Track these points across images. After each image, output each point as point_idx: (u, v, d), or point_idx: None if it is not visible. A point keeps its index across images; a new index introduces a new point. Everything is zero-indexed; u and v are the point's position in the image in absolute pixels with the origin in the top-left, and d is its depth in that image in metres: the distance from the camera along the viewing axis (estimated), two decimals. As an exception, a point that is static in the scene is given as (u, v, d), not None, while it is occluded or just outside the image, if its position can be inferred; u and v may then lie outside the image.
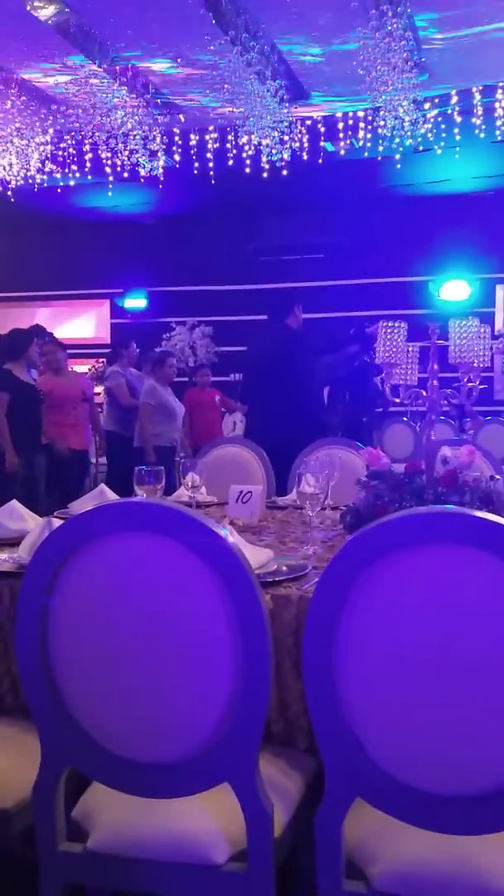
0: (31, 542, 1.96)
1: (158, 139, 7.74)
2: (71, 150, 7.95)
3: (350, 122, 7.21)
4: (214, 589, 1.38)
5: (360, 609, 1.34)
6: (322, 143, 7.55)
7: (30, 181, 8.54)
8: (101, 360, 10.07)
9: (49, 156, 8.08)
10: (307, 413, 4.41)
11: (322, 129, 7.36)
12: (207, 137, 7.59)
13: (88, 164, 7.96)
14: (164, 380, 6.44)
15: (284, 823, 1.50)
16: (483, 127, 6.96)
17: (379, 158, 7.78)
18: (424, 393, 2.36)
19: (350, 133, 7.26)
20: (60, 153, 8.00)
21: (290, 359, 4.45)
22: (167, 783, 1.45)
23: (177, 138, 7.72)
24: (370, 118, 7.09)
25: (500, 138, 7.07)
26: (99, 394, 7.93)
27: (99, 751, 1.47)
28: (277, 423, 4.25)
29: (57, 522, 1.87)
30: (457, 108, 6.90)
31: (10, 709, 1.92)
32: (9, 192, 8.64)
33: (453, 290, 10.32)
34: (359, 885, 1.40)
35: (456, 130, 7.07)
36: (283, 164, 7.67)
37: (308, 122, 7.36)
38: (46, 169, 8.30)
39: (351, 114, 7.19)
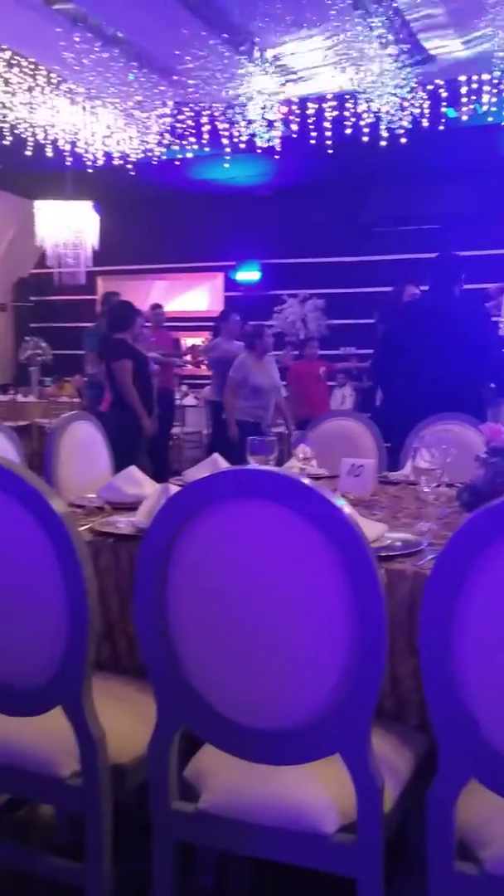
0: (150, 507, 2.00)
1: (276, 109, 7.67)
2: (189, 122, 7.98)
3: (474, 86, 6.93)
4: (330, 559, 1.37)
5: (481, 587, 1.30)
6: (444, 109, 7.30)
7: (148, 154, 8.65)
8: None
9: (168, 128, 8.14)
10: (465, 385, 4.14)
11: (444, 94, 7.11)
12: (325, 106, 7.47)
13: (206, 136, 7.98)
14: (259, 353, 6.40)
15: (394, 799, 1.49)
16: None
17: (504, 124, 7.48)
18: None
19: (474, 98, 6.99)
20: (179, 125, 8.05)
21: (455, 330, 4.19)
22: (279, 750, 1.46)
23: (295, 108, 7.62)
24: (496, 82, 6.80)
25: None
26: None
27: (212, 714, 1.50)
28: (426, 396, 4.01)
29: (174, 488, 1.90)
30: None
31: (127, 668, 1.97)
32: (128, 166, 8.77)
33: None
34: (470, 867, 1.38)
35: None
36: (403, 131, 7.47)
37: (430, 87, 7.13)
38: (165, 141, 8.38)
39: (475, 78, 6.92)
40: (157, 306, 8.83)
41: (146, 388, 5.56)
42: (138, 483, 2.43)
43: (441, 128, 7.53)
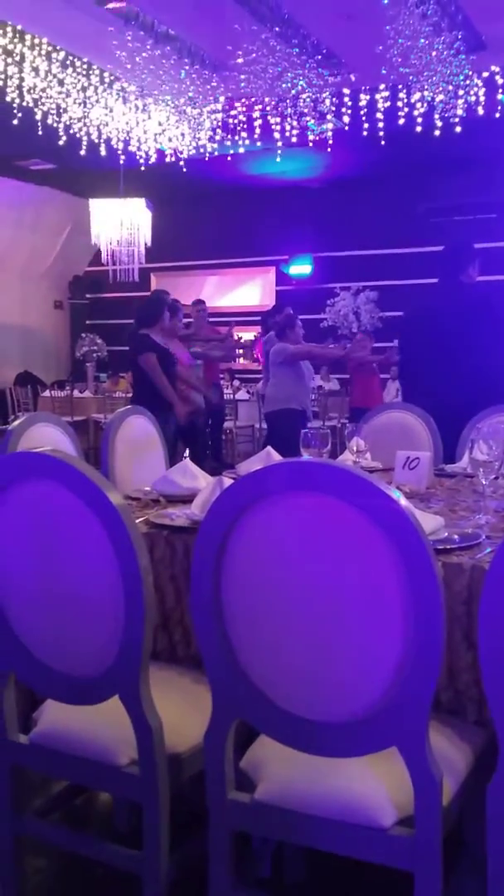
0: (204, 500, 2.01)
1: (328, 101, 7.62)
2: (241, 116, 7.98)
3: (531, 71, 6.80)
4: (387, 552, 1.36)
5: (541, 580, 1.28)
6: (499, 96, 7.17)
7: (200, 150, 8.68)
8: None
9: (220, 124, 8.16)
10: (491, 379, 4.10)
11: (500, 81, 6.98)
12: (378, 97, 7.39)
13: (258, 131, 7.97)
14: (293, 342, 6.32)
15: (452, 793, 1.48)
16: None
17: None
18: None
19: (531, 84, 6.86)
20: (231, 121, 8.06)
21: (479, 319, 4.13)
22: (335, 742, 1.45)
23: (346, 99, 7.57)
24: (553, 67, 6.66)
25: None
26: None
27: (268, 705, 1.50)
28: (454, 388, 3.98)
29: (228, 481, 1.91)
30: None
31: (182, 658, 1.99)
32: (181, 163, 8.82)
33: None
34: (530, 863, 1.36)
35: None
36: (457, 120, 7.36)
37: (485, 74, 7.01)
38: (217, 137, 8.40)
39: (533, 63, 6.79)
40: (199, 302, 8.83)
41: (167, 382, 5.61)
42: (193, 476, 2.44)
43: (497, 115, 7.40)
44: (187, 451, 2.76)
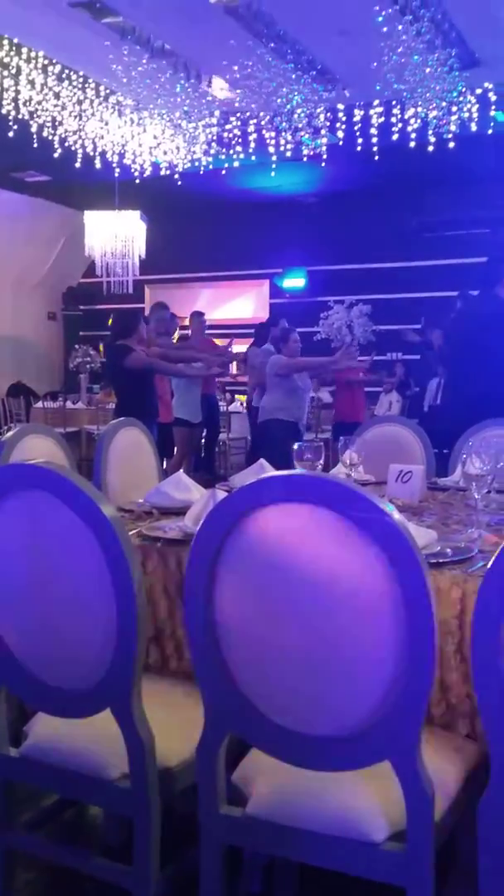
0: (197, 512, 2.01)
1: (322, 116, 7.68)
2: (236, 130, 8.03)
3: (524, 88, 6.87)
4: (379, 565, 1.36)
5: (533, 594, 1.28)
6: (492, 113, 7.24)
7: (195, 164, 8.72)
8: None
9: (215, 137, 8.20)
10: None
11: (493, 98, 7.05)
12: (372, 112, 7.45)
13: (253, 145, 8.02)
14: (287, 356, 6.35)
15: (444, 808, 1.47)
16: None
17: (554, 128, 7.40)
18: None
19: (523, 101, 6.93)
20: (226, 135, 8.11)
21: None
22: (327, 756, 1.45)
23: (341, 114, 7.63)
24: (546, 84, 6.73)
25: None
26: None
27: (260, 718, 1.50)
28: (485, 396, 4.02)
29: (221, 494, 1.91)
30: None
31: (175, 671, 1.98)
32: (175, 176, 8.85)
33: None
34: (522, 878, 1.36)
35: None
36: (450, 136, 7.42)
37: (479, 91, 7.07)
38: (212, 151, 8.44)
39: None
40: (198, 314, 8.85)
41: (149, 393, 5.60)
42: (186, 488, 2.44)
43: (490, 132, 7.46)
44: (165, 463, 2.77)
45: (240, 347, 9.48)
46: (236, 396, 10.59)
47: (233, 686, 1.51)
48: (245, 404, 8.61)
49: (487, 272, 4.41)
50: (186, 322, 9.03)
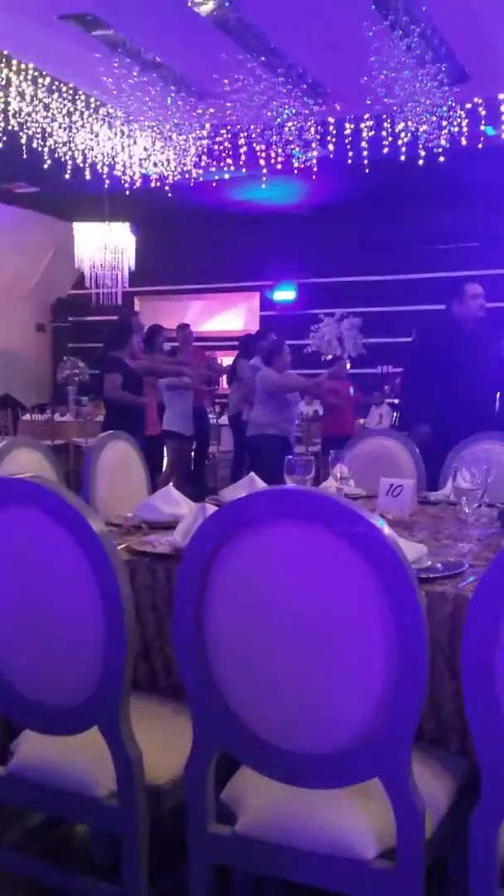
0: (187, 527, 2.00)
1: (313, 129, 7.72)
2: (227, 143, 8.06)
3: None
4: (370, 581, 1.35)
5: (525, 610, 1.28)
6: (482, 127, 7.29)
7: (186, 176, 8.74)
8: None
9: (205, 150, 8.23)
10: (479, 407, 4.21)
11: (483, 112, 7.10)
12: (362, 126, 7.49)
13: (243, 158, 8.05)
14: (278, 369, 6.36)
15: (435, 825, 1.46)
16: None
17: (543, 142, 7.46)
18: None
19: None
20: (217, 147, 8.13)
21: (470, 347, 4.29)
22: (317, 774, 1.44)
23: (331, 128, 7.67)
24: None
25: None
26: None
27: (250, 736, 1.48)
28: (443, 415, 4.09)
29: (211, 508, 1.90)
30: None
31: (164, 688, 1.97)
32: (166, 188, 8.87)
33: None
34: (514, 897, 1.35)
35: None
36: (441, 150, 7.47)
37: (468, 106, 7.13)
38: (202, 163, 8.46)
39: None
40: (184, 326, 8.84)
41: (137, 406, 5.60)
42: (175, 502, 2.43)
43: (480, 146, 7.51)
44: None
45: (229, 360, 9.48)
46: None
47: (222, 703, 1.50)
48: (228, 417, 8.59)
49: (446, 289, 4.52)
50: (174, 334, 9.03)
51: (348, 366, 9.04)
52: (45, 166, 8.12)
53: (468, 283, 4.48)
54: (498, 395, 5.51)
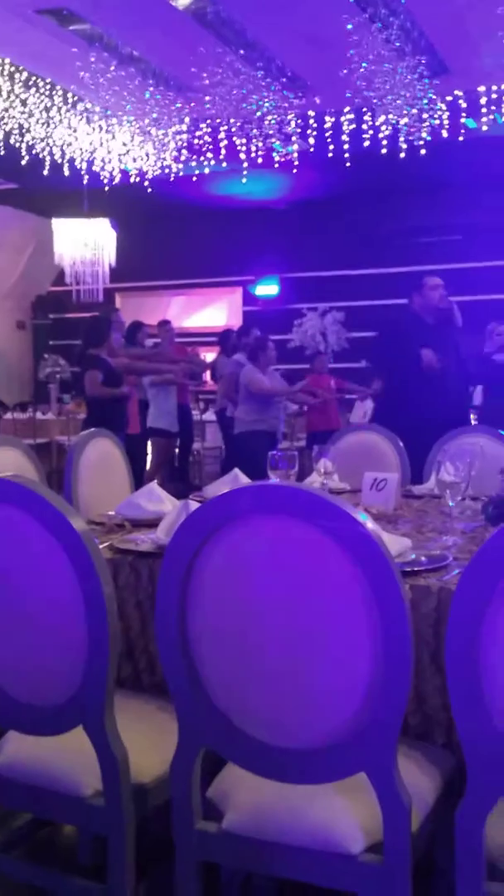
0: (170, 524, 1.99)
1: (293, 123, 7.70)
2: (207, 137, 8.03)
3: (494, 95, 6.92)
4: (353, 576, 1.35)
5: (508, 602, 1.27)
6: (463, 120, 7.30)
7: (166, 171, 8.70)
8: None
9: (185, 144, 8.19)
10: (450, 400, 4.26)
11: (464, 105, 7.11)
12: (343, 119, 7.49)
13: (223, 152, 8.02)
14: (263, 366, 6.37)
15: (421, 818, 1.46)
16: None
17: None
18: None
19: (493, 108, 6.98)
20: (196, 141, 8.10)
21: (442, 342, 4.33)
22: (303, 769, 1.43)
23: (311, 121, 7.65)
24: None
25: None
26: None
27: (235, 732, 1.48)
28: (416, 409, 4.13)
29: (194, 505, 1.89)
30: None
31: (148, 686, 1.96)
32: (145, 183, 8.83)
33: None
34: (499, 888, 1.35)
35: None
36: (422, 143, 7.48)
37: (449, 98, 7.13)
38: (182, 158, 8.43)
39: (495, 88, 6.91)
40: (164, 322, 8.82)
41: (119, 404, 5.58)
42: (158, 499, 2.41)
43: (461, 139, 7.52)
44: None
45: (211, 355, 9.47)
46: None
47: (207, 700, 1.49)
48: (215, 413, 8.58)
49: (407, 283, 4.60)
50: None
51: (330, 361, 9.06)
52: (23, 162, 8.06)
53: (427, 275, 4.53)
54: (480, 388, 5.59)
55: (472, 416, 5.84)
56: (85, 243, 9.40)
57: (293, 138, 7.89)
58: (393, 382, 4.55)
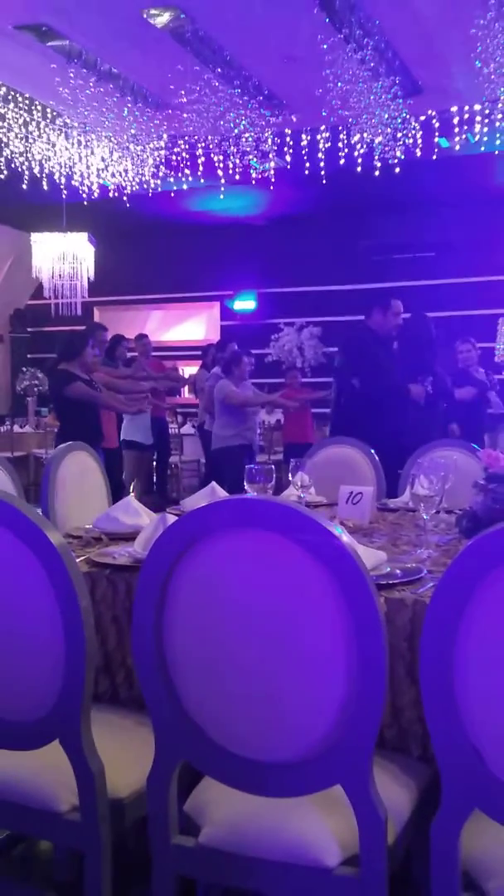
0: (147, 537, 1.99)
1: (270, 140, 7.77)
2: (184, 154, 8.08)
3: (466, 115, 7.03)
4: (329, 589, 1.36)
5: (482, 614, 1.29)
6: (436, 139, 7.41)
7: (144, 186, 8.74)
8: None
9: (163, 160, 8.24)
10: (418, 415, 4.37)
11: (437, 125, 7.22)
12: (319, 137, 7.57)
13: (201, 168, 8.07)
14: (236, 380, 6.43)
15: (397, 831, 1.47)
16: None
17: (496, 153, 7.59)
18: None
19: (466, 128, 7.09)
20: (174, 158, 8.15)
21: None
22: (280, 782, 1.44)
23: (288, 139, 7.73)
24: (487, 112, 6.91)
25: None
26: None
27: (212, 746, 1.48)
28: (387, 422, 4.24)
29: (171, 518, 1.89)
30: None
31: (125, 700, 1.95)
32: (124, 198, 8.85)
33: None
34: (475, 900, 1.36)
35: None
36: (396, 161, 7.57)
37: (422, 118, 7.24)
38: (160, 174, 8.47)
39: (467, 108, 7.02)
40: (142, 336, 8.82)
41: (92, 419, 5.56)
42: (135, 513, 2.42)
43: (434, 157, 7.63)
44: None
45: (190, 369, 9.48)
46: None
47: (183, 713, 1.49)
48: (196, 428, 8.60)
49: (370, 299, 4.81)
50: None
51: (305, 375, 9.11)
52: (2, 176, 8.05)
53: (394, 298, 4.68)
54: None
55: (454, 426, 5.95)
56: (63, 257, 9.40)
57: (270, 155, 7.96)
58: (356, 396, 4.65)
